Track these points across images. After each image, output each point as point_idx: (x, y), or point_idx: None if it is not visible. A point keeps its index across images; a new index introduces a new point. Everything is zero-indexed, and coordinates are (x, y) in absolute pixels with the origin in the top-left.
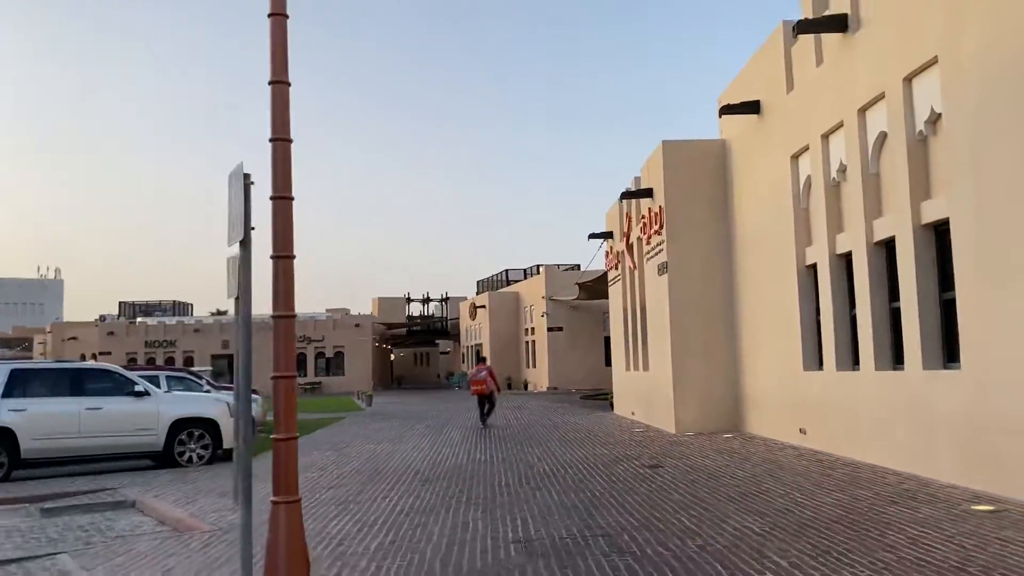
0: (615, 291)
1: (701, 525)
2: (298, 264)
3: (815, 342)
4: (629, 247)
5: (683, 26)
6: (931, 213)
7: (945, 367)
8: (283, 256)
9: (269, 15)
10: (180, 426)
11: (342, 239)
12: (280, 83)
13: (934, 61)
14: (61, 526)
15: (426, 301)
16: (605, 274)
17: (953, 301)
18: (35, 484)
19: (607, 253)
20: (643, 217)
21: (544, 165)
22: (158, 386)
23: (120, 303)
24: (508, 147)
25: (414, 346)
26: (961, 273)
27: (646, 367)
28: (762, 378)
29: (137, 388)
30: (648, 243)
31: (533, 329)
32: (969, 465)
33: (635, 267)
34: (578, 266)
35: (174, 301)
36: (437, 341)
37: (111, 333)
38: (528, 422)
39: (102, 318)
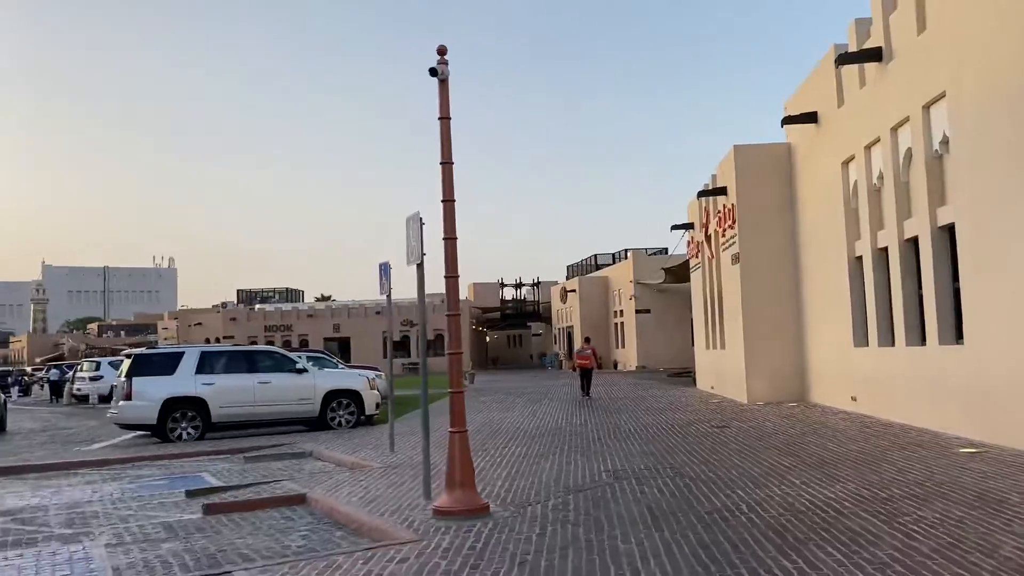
0: (696, 277)
1: (745, 462)
2: (396, 250)
3: (863, 322)
4: (707, 238)
5: (755, 37)
6: (944, 217)
7: (956, 343)
8: (451, 276)
9: (439, 118)
10: (331, 396)
11: (438, 226)
12: (447, 164)
13: (943, 95)
14: (264, 468)
15: (518, 286)
16: (688, 260)
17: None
18: (227, 442)
19: (689, 242)
20: (719, 212)
21: (631, 153)
22: None
23: (238, 291)
24: (597, 138)
25: (507, 328)
26: (963, 267)
27: (723, 346)
28: (822, 354)
29: (298, 366)
30: (723, 235)
31: (622, 311)
32: (969, 420)
33: (712, 256)
34: (665, 250)
35: (286, 288)
36: (529, 324)
37: (233, 319)
38: (617, 396)
39: (223, 305)
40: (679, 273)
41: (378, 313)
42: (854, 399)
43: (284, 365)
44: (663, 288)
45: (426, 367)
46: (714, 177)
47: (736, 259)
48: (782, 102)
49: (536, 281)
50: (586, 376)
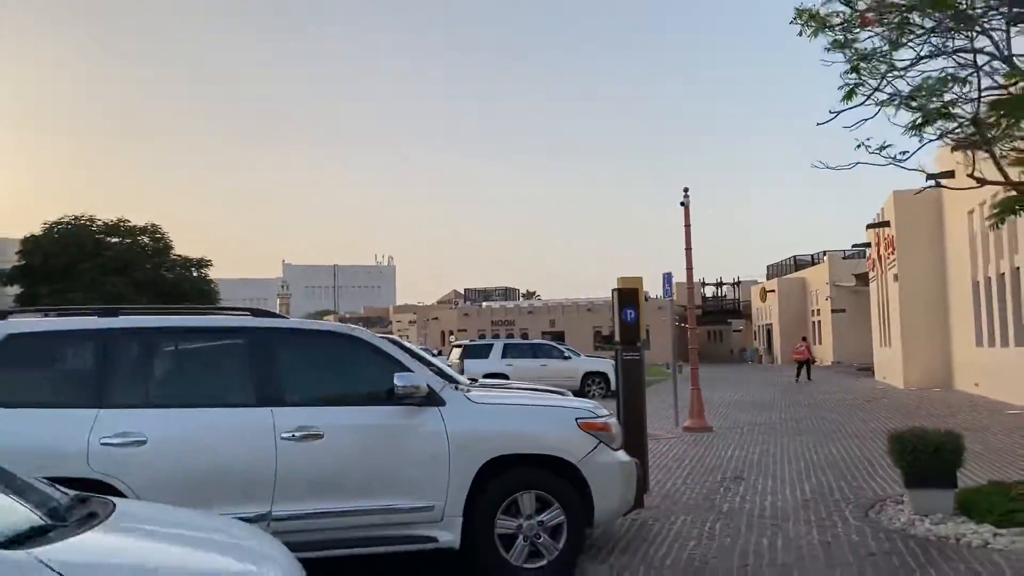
0: (872, 288)
1: (867, 416)
2: (601, 251)
3: (979, 329)
4: (879, 257)
5: None
6: (1016, 262)
7: None
8: (691, 307)
9: (684, 225)
10: (588, 376)
11: (645, 227)
12: (688, 249)
13: None
14: None
15: (719, 285)
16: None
17: None
18: None
19: (868, 257)
20: (885, 239)
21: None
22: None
23: (465, 289)
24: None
25: (707, 325)
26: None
27: (889, 344)
28: (958, 351)
29: (565, 354)
30: (888, 258)
31: (819, 311)
32: None
33: (882, 273)
34: (863, 251)
35: (505, 287)
36: (729, 320)
37: (465, 314)
38: (803, 383)
39: (455, 303)
40: (868, 279)
41: (589, 310)
42: (976, 385)
43: (554, 353)
44: (856, 290)
45: (672, 356)
46: (881, 210)
47: (896, 278)
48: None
49: (736, 280)
50: (802, 365)
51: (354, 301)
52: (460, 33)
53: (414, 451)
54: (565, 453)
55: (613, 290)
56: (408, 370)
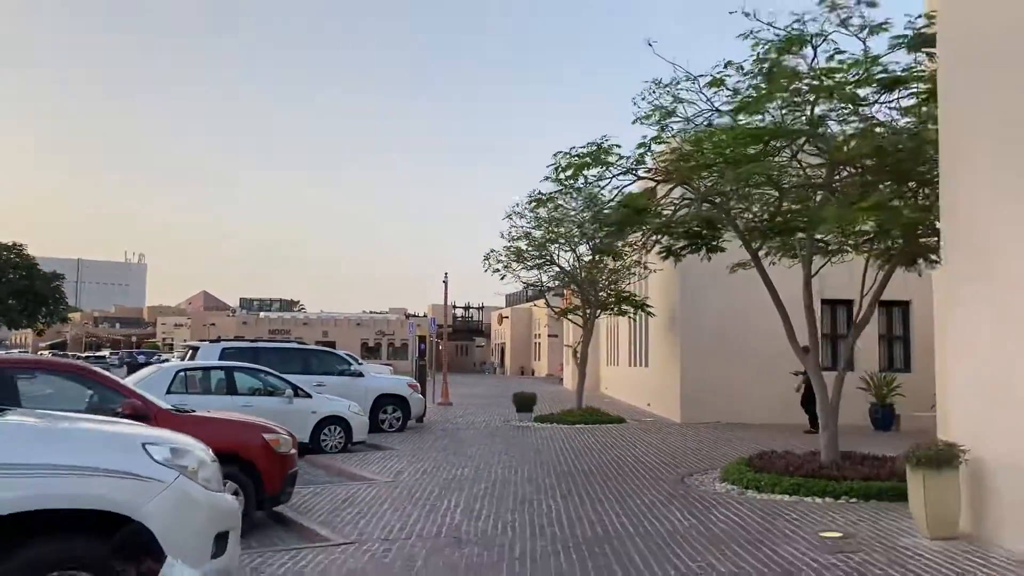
0: (565, 323)
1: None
2: (372, 269)
3: (608, 355)
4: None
5: None
6: (615, 324)
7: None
8: (444, 344)
9: (444, 300)
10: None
11: (407, 253)
12: (446, 305)
13: None
14: None
15: (467, 308)
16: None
17: None
18: None
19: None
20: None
21: None
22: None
23: (241, 299)
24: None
25: (456, 340)
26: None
27: (568, 363)
28: (601, 368)
29: (359, 361)
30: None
31: (540, 335)
32: (612, 388)
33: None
34: None
35: (280, 299)
36: (474, 337)
37: (244, 323)
38: (521, 387)
39: (233, 311)
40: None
41: (358, 325)
42: (606, 388)
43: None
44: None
45: (427, 364)
46: None
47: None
48: None
49: (481, 305)
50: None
51: (100, 298)
52: (248, 25)
53: (358, 391)
54: (404, 393)
55: (418, 336)
56: (358, 362)
